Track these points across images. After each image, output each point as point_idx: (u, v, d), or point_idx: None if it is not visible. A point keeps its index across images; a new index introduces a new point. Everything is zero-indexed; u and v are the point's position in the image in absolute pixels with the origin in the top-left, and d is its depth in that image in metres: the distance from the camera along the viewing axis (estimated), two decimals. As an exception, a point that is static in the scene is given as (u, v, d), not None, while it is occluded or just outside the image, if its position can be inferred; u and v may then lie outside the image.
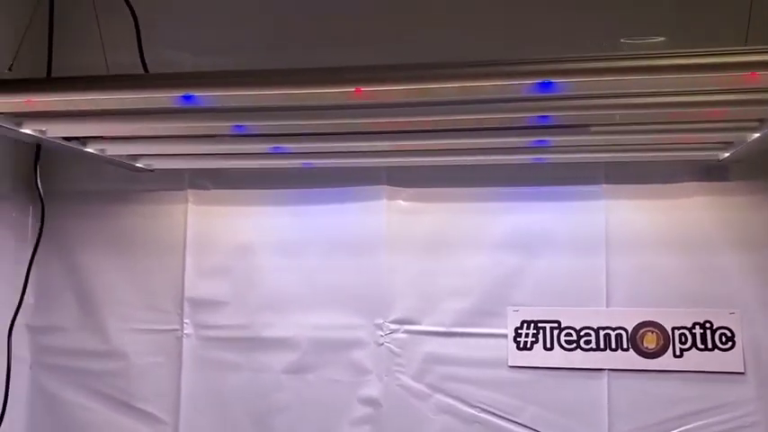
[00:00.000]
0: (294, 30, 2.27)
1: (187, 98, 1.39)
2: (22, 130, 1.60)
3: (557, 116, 1.53)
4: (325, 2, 2.27)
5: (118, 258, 2.33)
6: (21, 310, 2.29)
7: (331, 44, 2.22)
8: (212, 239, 2.29)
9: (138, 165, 2.13)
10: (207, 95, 1.40)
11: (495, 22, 2.15)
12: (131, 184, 2.31)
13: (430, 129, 1.68)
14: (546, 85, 1.28)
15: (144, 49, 2.16)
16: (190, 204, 2.31)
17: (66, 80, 1.50)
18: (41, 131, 1.67)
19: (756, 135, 1.63)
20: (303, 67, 1.38)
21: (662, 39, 2.04)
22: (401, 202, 2.20)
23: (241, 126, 1.63)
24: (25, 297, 2.30)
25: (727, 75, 1.21)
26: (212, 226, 2.30)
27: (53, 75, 2.18)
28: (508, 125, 1.62)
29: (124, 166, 2.15)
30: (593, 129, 1.62)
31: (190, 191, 2.31)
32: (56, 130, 1.68)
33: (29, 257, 2.32)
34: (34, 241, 2.34)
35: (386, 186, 2.20)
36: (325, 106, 1.50)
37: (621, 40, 2.03)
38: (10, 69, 1.68)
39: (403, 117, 1.57)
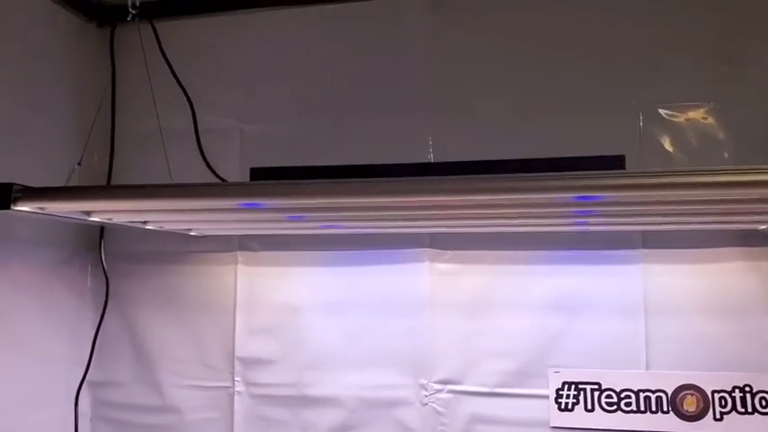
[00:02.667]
0: (339, 97, 2.36)
1: (246, 204, 1.48)
2: (91, 219, 1.70)
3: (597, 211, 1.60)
4: (369, 71, 2.35)
5: (172, 316, 2.44)
6: (79, 366, 2.43)
7: (375, 111, 2.31)
8: (261, 299, 2.38)
9: (191, 233, 2.23)
10: (265, 202, 1.49)
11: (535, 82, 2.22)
12: (184, 245, 2.41)
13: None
14: (582, 198, 1.36)
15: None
16: (239, 265, 2.40)
17: (129, 189, 1.60)
18: (108, 219, 1.77)
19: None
20: (358, 181, 1.45)
21: (703, 106, 2.09)
22: (443, 264, 2.26)
23: (297, 216, 1.71)
24: (84, 354, 2.43)
25: (757, 190, 1.27)
26: (261, 286, 2.39)
27: (115, 143, 2.31)
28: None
29: (178, 233, 2.26)
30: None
31: (239, 252, 2.40)
32: (121, 218, 1.79)
33: (89, 317, 2.45)
34: (93, 301, 2.47)
35: (428, 249, 2.26)
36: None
37: (659, 110, 2.09)
38: (79, 164, 1.78)
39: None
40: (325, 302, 2.33)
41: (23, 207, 1.54)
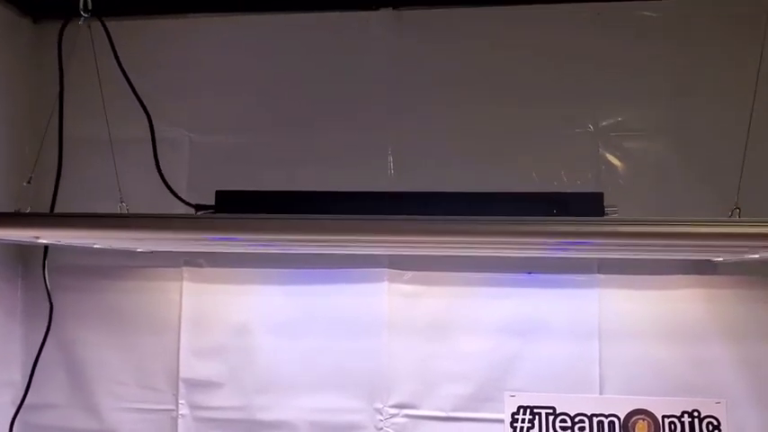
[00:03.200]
0: (296, 109, 2.29)
1: (213, 238, 1.40)
2: (40, 241, 1.58)
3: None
4: (327, 83, 2.28)
5: (111, 334, 2.31)
6: (7, 387, 2.27)
7: (331, 126, 2.25)
8: (208, 318, 2.28)
9: (138, 249, 2.11)
10: (234, 236, 1.42)
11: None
12: (127, 260, 2.28)
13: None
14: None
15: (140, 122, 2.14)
16: (185, 282, 2.29)
17: (78, 218, 1.48)
18: (57, 241, 1.65)
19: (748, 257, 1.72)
20: (327, 218, 1.40)
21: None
22: (402, 285, 2.22)
23: (256, 244, 1.64)
24: (12, 374, 2.27)
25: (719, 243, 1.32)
26: (208, 304, 2.29)
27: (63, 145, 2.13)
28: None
29: (123, 250, 2.13)
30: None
31: (185, 268, 2.29)
32: (70, 240, 1.67)
33: (18, 334, 2.29)
34: (23, 317, 2.31)
35: (387, 269, 2.22)
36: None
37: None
38: (29, 182, 1.65)
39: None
40: (278, 323, 2.25)
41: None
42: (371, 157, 2.24)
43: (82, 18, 1.86)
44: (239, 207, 1.67)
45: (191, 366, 2.27)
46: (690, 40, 2.16)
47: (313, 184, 2.17)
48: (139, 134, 2.11)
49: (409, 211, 1.57)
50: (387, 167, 2.24)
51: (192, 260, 2.29)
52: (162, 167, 2.26)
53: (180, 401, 2.26)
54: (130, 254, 2.25)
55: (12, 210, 2.11)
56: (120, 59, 2.07)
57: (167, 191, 2.21)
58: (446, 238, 1.45)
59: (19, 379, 2.32)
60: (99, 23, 1.99)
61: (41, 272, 2.28)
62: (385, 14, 2.28)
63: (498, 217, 1.41)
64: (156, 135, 2.24)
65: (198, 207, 1.79)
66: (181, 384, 2.26)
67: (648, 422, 2.11)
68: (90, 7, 1.88)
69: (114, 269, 2.30)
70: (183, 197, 2.03)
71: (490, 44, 2.23)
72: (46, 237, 1.52)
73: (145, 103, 2.11)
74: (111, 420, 2.28)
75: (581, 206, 1.56)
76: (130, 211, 2.01)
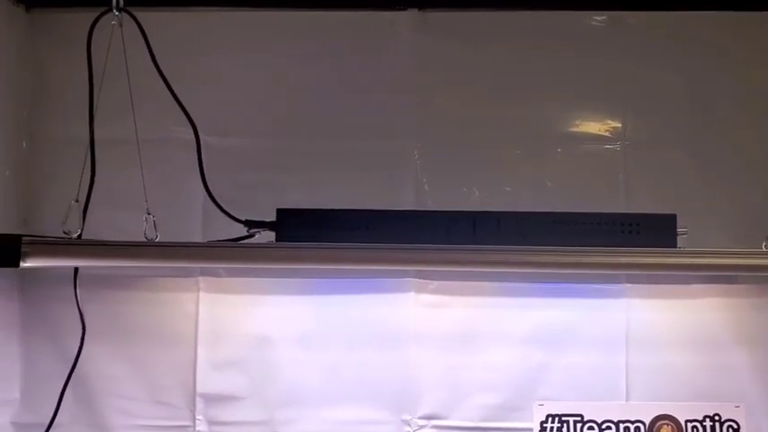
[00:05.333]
0: (313, 112, 2.20)
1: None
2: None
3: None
4: (350, 86, 2.20)
5: (119, 348, 2.18)
6: (4, 405, 2.12)
7: (355, 131, 2.19)
8: (226, 330, 2.18)
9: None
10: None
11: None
12: (137, 269, 2.14)
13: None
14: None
15: (148, 122, 2.01)
16: (201, 292, 2.18)
17: (157, 248, 1.41)
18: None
19: None
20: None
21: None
22: (428, 295, 2.18)
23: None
24: (11, 392, 2.12)
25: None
26: (226, 316, 2.19)
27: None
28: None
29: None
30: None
31: (201, 278, 2.18)
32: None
33: (16, 350, 2.13)
34: (21, 330, 2.16)
35: (413, 279, 2.17)
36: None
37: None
38: (77, 200, 1.51)
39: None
40: (300, 334, 2.18)
41: (34, 264, 1.28)
42: (395, 165, 2.19)
43: (114, 10, 1.70)
44: (299, 227, 1.59)
45: (208, 380, 2.17)
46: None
47: (334, 193, 2.14)
48: (142, 135, 1.97)
49: (484, 236, 1.53)
50: (412, 176, 2.18)
51: (209, 269, 2.17)
52: (173, 170, 2.15)
53: (197, 417, 2.16)
54: (141, 262, 2.11)
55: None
56: (128, 55, 1.92)
57: (182, 197, 2.11)
58: (522, 270, 1.43)
59: (18, 397, 2.17)
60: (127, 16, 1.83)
61: (40, 283, 2.13)
62: (411, 15, 2.21)
63: (576, 248, 1.40)
64: (168, 135, 2.13)
65: (249, 224, 1.69)
66: (198, 399, 2.16)
67: (672, 426, 2.16)
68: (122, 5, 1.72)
69: (124, 279, 2.17)
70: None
71: (519, 49, 2.20)
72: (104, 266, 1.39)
73: (154, 103, 1.98)
74: (122, 438, 2.15)
75: (653, 228, 1.56)
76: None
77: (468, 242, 1.51)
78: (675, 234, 1.57)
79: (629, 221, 1.57)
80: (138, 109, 1.91)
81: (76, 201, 1.55)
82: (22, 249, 1.25)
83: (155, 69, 1.88)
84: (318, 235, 1.57)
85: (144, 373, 2.17)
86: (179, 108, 1.96)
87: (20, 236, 1.23)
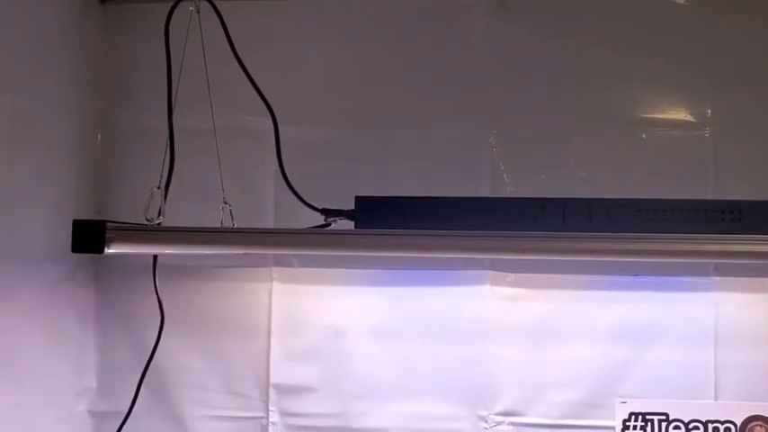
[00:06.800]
0: (385, 101, 2.16)
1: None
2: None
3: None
4: (423, 75, 2.15)
5: (194, 339, 2.17)
6: (81, 395, 2.13)
7: (428, 121, 2.14)
8: (300, 321, 2.16)
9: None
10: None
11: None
12: (210, 259, 2.14)
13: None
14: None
15: (218, 112, 1.98)
16: (275, 283, 2.16)
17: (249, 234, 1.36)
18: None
19: None
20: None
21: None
22: (505, 288, 2.12)
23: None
24: (88, 381, 2.13)
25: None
26: (300, 306, 2.16)
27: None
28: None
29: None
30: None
31: (274, 268, 2.16)
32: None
33: (94, 341, 2.15)
34: (97, 321, 2.17)
35: (489, 271, 2.11)
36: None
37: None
38: (159, 187, 1.51)
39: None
40: (374, 325, 2.14)
41: (118, 250, 1.26)
42: (472, 155, 2.13)
43: (191, -2, 1.68)
44: (379, 215, 1.54)
45: (282, 371, 2.15)
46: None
47: (408, 182, 2.09)
48: (206, 125, 1.94)
49: (574, 224, 1.46)
50: (489, 164, 2.12)
51: (283, 259, 2.15)
52: (244, 161, 2.13)
53: (270, 408, 2.14)
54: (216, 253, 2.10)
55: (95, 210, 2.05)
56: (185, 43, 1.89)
57: (254, 188, 2.09)
58: (628, 259, 1.35)
59: (94, 386, 2.19)
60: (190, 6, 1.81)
61: (116, 273, 2.15)
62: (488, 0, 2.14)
63: (686, 236, 1.33)
64: (237, 125, 2.11)
65: (326, 212, 1.65)
66: (271, 390, 2.14)
67: (766, 428, 2.05)
68: (202, -10, 1.70)
69: (197, 269, 2.17)
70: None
71: (600, 33, 2.11)
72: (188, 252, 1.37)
73: (222, 91, 1.96)
74: (196, 429, 2.16)
75: (758, 215, 1.46)
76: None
77: (558, 230, 1.42)
78: (779, 221, 1.47)
79: (731, 208, 1.47)
80: (208, 99, 1.88)
81: (158, 188, 1.52)
82: (107, 235, 1.22)
83: (222, 59, 1.86)
84: (399, 224, 1.51)
85: (218, 363, 2.16)
86: (249, 97, 1.95)
87: (104, 221, 1.20)
